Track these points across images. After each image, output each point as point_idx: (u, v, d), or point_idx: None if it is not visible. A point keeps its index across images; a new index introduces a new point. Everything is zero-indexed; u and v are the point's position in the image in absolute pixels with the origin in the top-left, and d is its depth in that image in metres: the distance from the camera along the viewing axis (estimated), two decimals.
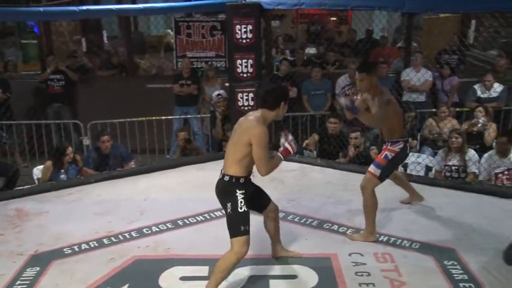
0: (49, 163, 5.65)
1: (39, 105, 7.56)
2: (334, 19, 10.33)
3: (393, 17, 9.01)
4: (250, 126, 3.15)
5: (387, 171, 4.02)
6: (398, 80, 7.01)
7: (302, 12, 9.48)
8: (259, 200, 3.49)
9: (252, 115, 3.25)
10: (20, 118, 7.08)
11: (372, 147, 5.65)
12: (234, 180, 3.20)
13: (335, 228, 4.32)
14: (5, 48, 9.03)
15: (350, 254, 3.84)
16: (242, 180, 3.22)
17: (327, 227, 4.36)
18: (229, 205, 3.19)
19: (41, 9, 6.00)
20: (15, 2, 9.69)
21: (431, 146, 6.10)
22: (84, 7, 5.82)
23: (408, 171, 5.62)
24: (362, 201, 4.03)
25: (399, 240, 4.05)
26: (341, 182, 5.39)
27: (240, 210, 3.18)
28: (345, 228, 4.29)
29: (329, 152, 6.10)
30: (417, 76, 6.80)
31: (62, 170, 5.60)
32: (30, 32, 9.38)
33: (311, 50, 9.30)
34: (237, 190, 3.19)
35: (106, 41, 9.23)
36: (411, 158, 5.76)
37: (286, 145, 3.35)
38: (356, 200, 4.73)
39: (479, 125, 5.84)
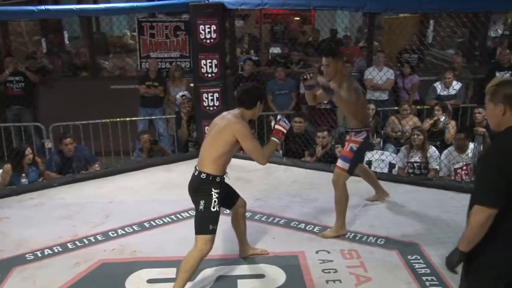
0: (8, 166, 5.50)
1: None
2: (298, 19, 10.41)
3: (355, 17, 9.14)
4: (229, 123, 3.17)
5: (355, 163, 4.07)
6: (361, 79, 7.13)
7: (266, 12, 9.51)
8: (229, 196, 3.50)
9: (230, 114, 3.27)
10: None
11: (337, 145, 5.73)
12: (211, 178, 3.20)
13: (302, 227, 4.36)
14: None
15: (317, 252, 3.89)
16: (218, 179, 3.23)
17: (294, 225, 4.40)
18: (202, 202, 3.19)
19: None
20: None
21: (393, 144, 6.23)
22: (43, 7, 5.70)
23: (372, 168, 5.73)
24: (334, 196, 4.08)
25: (365, 237, 4.13)
26: (307, 180, 5.46)
27: (212, 210, 3.19)
28: (312, 226, 4.35)
29: (295, 151, 6.16)
30: (380, 75, 6.94)
31: (23, 174, 5.47)
32: None
33: (275, 50, 9.35)
34: (213, 189, 3.19)
35: (68, 42, 9.03)
36: (375, 155, 5.88)
37: (276, 126, 3.32)
38: (322, 198, 4.82)
39: (441, 124, 6.00)
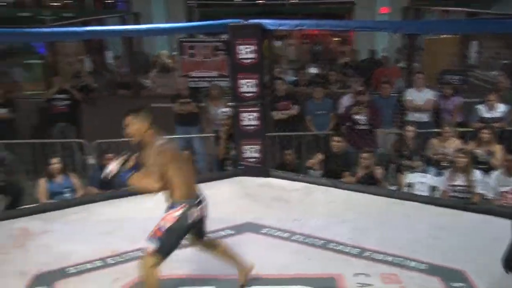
0: (41, 180, 5.73)
1: (43, 124, 7.59)
2: (337, 39, 10.44)
3: (394, 37, 9.10)
4: None
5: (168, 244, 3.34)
6: (400, 99, 7.05)
7: (305, 32, 9.58)
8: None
9: None
10: (24, 137, 7.11)
11: (377, 167, 5.66)
12: None
13: (340, 248, 4.30)
14: (11, 68, 9.11)
15: (355, 275, 3.82)
16: None
17: (332, 247, 4.34)
18: None
19: (46, 29, 6.09)
20: (20, 22, 9.82)
21: (435, 166, 6.10)
22: (89, 28, 5.91)
23: (413, 191, 5.62)
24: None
25: (405, 260, 4.03)
26: (346, 201, 5.39)
27: None
28: (350, 248, 4.28)
29: (335, 172, 6.09)
30: (420, 96, 6.83)
31: (56, 180, 5.70)
32: (35, 53, 9.48)
33: (314, 70, 9.38)
34: None
35: (111, 61, 9.32)
36: (416, 178, 5.77)
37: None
38: (361, 219, 4.75)
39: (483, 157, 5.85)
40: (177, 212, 3.27)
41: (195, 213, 3.32)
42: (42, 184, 5.68)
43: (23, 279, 3.85)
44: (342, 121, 6.84)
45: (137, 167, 3.26)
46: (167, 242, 3.26)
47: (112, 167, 3.28)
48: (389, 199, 5.33)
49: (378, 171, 5.69)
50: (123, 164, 3.28)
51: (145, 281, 3.31)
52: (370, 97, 6.77)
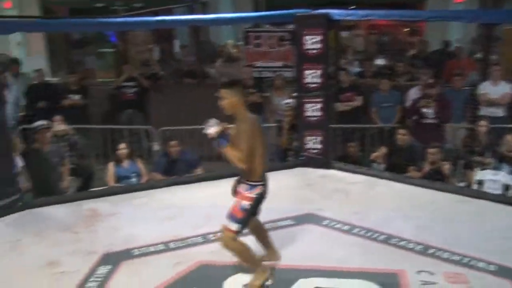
0: (110, 165, 5.97)
1: (113, 111, 7.90)
2: (406, 29, 10.10)
3: (469, 27, 8.66)
4: None
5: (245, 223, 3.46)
6: (473, 93, 6.73)
7: (373, 22, 9.34)
8: None
9: None
10: (96, 123, 7.43)
11: (444, 163, 5.44)
12: None
13: (403, 244, 4.17)
14: (85, 56, 9.53)
15: (418, 272, 3.70)
16: None
17: (394, 242, 4.22)
18: None
19: (119, 19, 6.29)
20: (94, 13, 10.24)
21: (509, 164, 5.78)
22: (159, 18, 6.04)
23: (484, 189, 5.36)
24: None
25: (474, 260, 3.83)
26: (410, 197, 5.22)
27: None
28: (414, 244, 4.14)
29: (399, 166, 5.92)
30: (496, 89, 6.48)
31: (123, 165, 5.93)
32: (107, 42, 9.85)
33: (381, 61, 9.13)
34: None
35: (178, 50, 9.52)
36: (487, 175, 5.50)
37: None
38: (425, 215, 4.59)
39: None
40: (255, 192, 3.40)
41: (267, 191, 3.48)
42: (111, 169, 5.92)
43: (91, 258, 4.02)
44: (408, 114, 6.64)
45: (229, 137, 3.35)
46: (245, 221, 3.44)
47: (213, 130, 3.33)
48: (456, 196, 5.11)
49: (446, 167, 5.48)
50: (221, 131, 3.34)
51: (236, 252, 3.50)
52: (440, 90, 6.51)
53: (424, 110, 6.27)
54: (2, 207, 4.81)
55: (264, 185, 3.45)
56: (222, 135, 3.30)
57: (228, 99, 3.37)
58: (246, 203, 3.39)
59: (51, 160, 5.52)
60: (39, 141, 5.58)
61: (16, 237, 4.43)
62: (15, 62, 8.13)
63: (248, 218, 3.45)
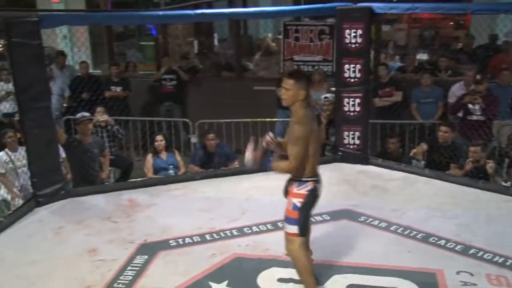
0: (149, 156, 6.05)
1: (153, 103, 8.02)
2: (451, 23, 9.79)
3: None
4: None
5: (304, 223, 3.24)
6: None
7: (415, 16, 9.11)
8: None
9: None
10: (136, 115, 7.57)
11: (488, 161, 5.27)
12: None
13: (442, 243, 4.08)
14: (126, 49, 9.69)
15: (458, 273, 3.61)
16: None
17: (433, 241, 4.13)
18: None
19: (160, 13, 6.35)
20: (136, 6, 10.40)
21: None
22: (199, 11, 6.07)
23: None
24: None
25: None
26: (451, 195, 5.09)
27: None
28: (454, 244, 4.04)
29: (439, 163, 5.78)
30: None
31: (161, 156, 6.00)
32: (148, 35, 9.99)
33: (423, 56, 8.91)
34: None
35: (216, 44, 9.55)
36: None
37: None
38: (467, 215, 4.48)
39: None
40: (306, 188, 3.19)
41: (320, 188, 3.26)
42: (149, 160, 6.02)
43: (130, 247, 4.11)
44: (453, 110, 6.46)
45: (270, 151, 3.21)
46: (304, 220, 3.21)
47: (249, 155, 3.25)
48: (501, 195, 4.96)
49: (490, 165, 5.30)
50: (256, 150, 3.24)
51: (297, 265, 3.25)
52: (487, 86, 6.30)
53: (470, 106, 6.10)
54: (47, 195, 4.96)
55: (317, 181, 3.23)
56: (262, 158, 3.18)
57: (292, 91, 3.11)
58: (297, 201, 3.19)
59: (92, 151, 5.65)
60: (81, 132, 5.71)
61: (59, 224, 4.57)
62: (61, 54, 8.35)
63: (305, 218, 3.21)
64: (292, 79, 3.14)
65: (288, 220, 3.22)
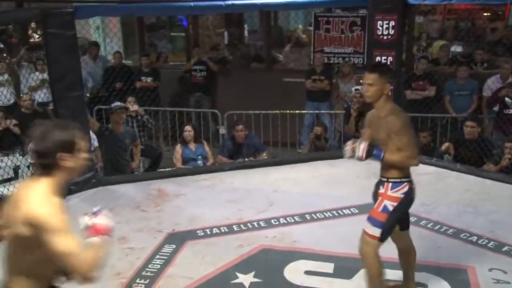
0: (178, 146, 6.09)
1: (182, 93, 8.07)
2: (488, 14, 9.51)
3: None
4: (27, 212, 1.85)
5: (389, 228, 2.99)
6: None
7: (451, 7, 8.88)
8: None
9: (31, 192, 1.91)
10: (165, 105, 7.63)
11: None
12: None
13: (474, 240, 3.99)
14: (157, 40, 9.76)
15: (490, 270, 3.54)
16: None
17: (465, 237, 4.05)
18: None
19: (191, 3, 6.36)
20: None
21: None
22: (230, 2, 6.05)
23: None
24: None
25: None
26: (484, 190, 4.97)
27: None
28: (486, 241, 3.96)
29: (468, 158, 5.63)
30: None
31: (190, 147, 6.02)
32: (179, 26, 10.03)
33: (458, 48, 8.68)
34: None
35: (247, 35, 9.53)
36: None
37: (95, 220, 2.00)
38: (501, 211, 4.37)
39: None
40: (402, 190, 2.94)
41: (414, 190, 3.00)
42: (178, 150, 6.06)
43: (158, 236, 4.16)
44: (488, 104, 6.30)
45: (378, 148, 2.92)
46: (389, 225, 2.95)
47: (360, 152, 2.92)
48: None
49: None
50: (368, 148, 2.92)
51: (369, 269, 3.02)
52: None
53: (507, 99, 5.93)
54: (78, 183, 5.06)
55: (412, 181, 2.98)
56: (370, 151, 2.91)
57: (376, 86, 2.89)
58: (390, 204, 2.92)
59: (123, 140, 5.70)
60: (114, 121, 5.75)
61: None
62: (95, 44, 8.46)
63: (393, 223, 2.96)
64: (376, 73, 2.92)
65: (372, 220, 2.96)
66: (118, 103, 5.92)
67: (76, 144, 1.95)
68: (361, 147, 2.90)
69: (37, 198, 1.85)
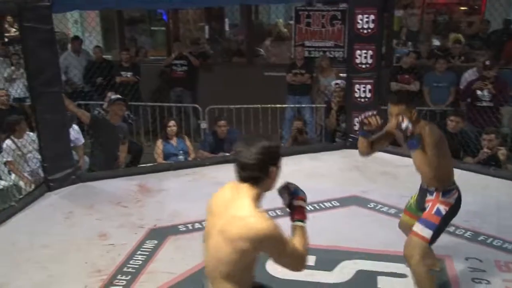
0: (159, 141, 6.05)
1: (163, 88, 8.02)
2: (464, 8, 9.64)
3: None
4: (246, 228, 1.90)
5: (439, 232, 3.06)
6: None
7: (429, 1, 8.99)
8: None
9: (240, 204, 1.98)
10: (146, 100, 7.58)
11: (499, 148, 5.22)
12: None
13: (451, 230, 4.05)
14: (137, 34, 9.66)
15: (466, 259, 3.61)
16: None
17: None
18: None
19: None
20: None
21: None
22: None
23: None
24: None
25: None
26: (461, 182, 5.00)
27: None
28: (463, 231, 4.04)
29: (450, 151, 5.71)
30: None
31: (171, 142, 5.98)
32: (159, 20, 9.95)
33: (436, 42, 8.79)
34: None
35: (228, 29, 9.50)
36: None
37: (296, 202, 2.15)
38: (476, 202, 4.46)
39: None
40: (454, 196, 3.07)
41: (461, 198, 3.10)
42: (159, 145, 6.04)
43: (140, 231, 4.15)
44: (462, 96, 6.39)
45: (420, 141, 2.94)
46: (440, 229, 3.03)
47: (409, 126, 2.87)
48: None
49: (502, 152, 5.25)
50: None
51: (416, 272, 2.99)
52: (498, 72, 6.21)
53: (479, 92, 6.02)
54: (58, 180, 5.02)
55: (458, 188, 3.10)
56: (414, 135, 2.90)
57: (406, 115, 2.93)
58: (443, 208, 3.01)
59: (117, 134, 5.59)
60: (114, 113, 5.55)
61: (69, 209, 4.63)
62: (77, 38, 8.30)
63: (443, 227, 3.05)
64: (403, 104, 2.98)
65: (425, 222, 2.99)
66: (116, 95, 5.80)
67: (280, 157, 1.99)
68: (406, 123, 2.87)
69: (251, 212, 1.92)
